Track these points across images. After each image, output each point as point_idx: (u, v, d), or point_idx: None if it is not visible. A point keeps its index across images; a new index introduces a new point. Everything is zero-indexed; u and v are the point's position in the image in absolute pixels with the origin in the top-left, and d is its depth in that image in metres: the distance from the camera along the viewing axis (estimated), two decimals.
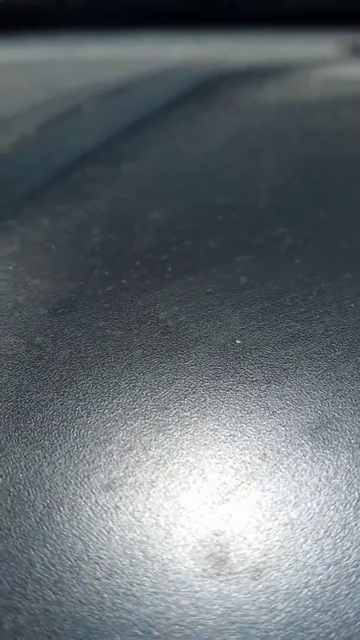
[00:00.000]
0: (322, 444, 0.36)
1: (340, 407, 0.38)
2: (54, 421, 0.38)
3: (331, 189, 0.59)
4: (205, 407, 0.38)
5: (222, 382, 0.39)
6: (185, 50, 0.98)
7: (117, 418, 0.38)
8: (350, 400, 0.38)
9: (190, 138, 0.69)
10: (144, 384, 0.39)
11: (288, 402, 0.38)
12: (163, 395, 0.39)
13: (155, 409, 0.38)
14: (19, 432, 0.37)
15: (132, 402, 0.38)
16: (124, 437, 0.37)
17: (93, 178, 0.60)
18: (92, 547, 0.33)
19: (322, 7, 1.03)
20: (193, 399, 0.38)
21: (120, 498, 0.35)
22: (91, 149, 0.66)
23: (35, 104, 0.77)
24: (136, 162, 0.64)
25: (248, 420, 0.37)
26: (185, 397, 0.39)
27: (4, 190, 0.58)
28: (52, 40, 1.03)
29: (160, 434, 0.37)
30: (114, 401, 0.39)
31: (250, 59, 0.94)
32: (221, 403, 0.38)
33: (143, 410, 0.38)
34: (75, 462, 0.36)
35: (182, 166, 0.64)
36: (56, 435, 0.37)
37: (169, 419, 0.38)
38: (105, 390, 0.39)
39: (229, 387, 0.39)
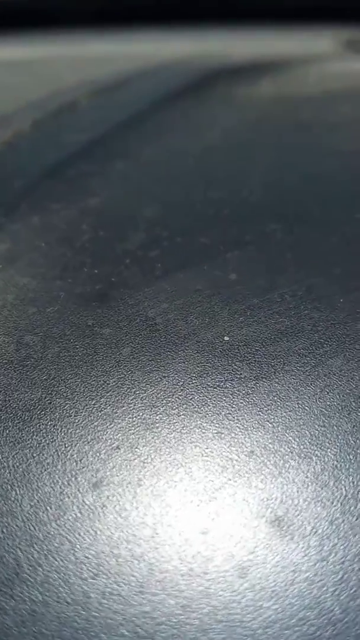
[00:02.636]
0: (310, 440, 0.36)
1: (328, 403, 0.38)
2: (42, 420, 0.38)
3: (325, 184, 0.59)
4: (193, 405, 0.38)
5: (210, 379, 0.39)
6: (181, 46, 0.98)
7: (105, 417, 0.38)
8: (337, 397, 0.38)
9: (185, 134, 0.69)
10: (132, 381, 0.39)
11: (276, 398, 0.38)
12: (151, 393, 0.39)
13: (143, 407, 0.38)
14: (7, 431, 0.37)
15: (120, 400, 0.38)
16: (111, 436, 0.37)
17: (86, 174, 0.60)
18: (79, 547, 0.33)
19: (318, 2, 1.03)
20: (181, 397, 0.38)
21: (107, 497, 0.35)
22: (84, 145, 0.66)
23: (30, 100, 0.77)
24: (130, 159, 0.63)
25: (236, 418, 0.37)
26: (173, 395, 0.38)
27: None
28: (48, 37, 1.03)
29: (148, 432, 0.37)
30: (102, 399, 0.39)
31: (246, 54, 0.93)
32: (209, 400, 0.38)
33: (131, 408, 0.38)
34: (63, 461, 0.36)
35: (177, 162, 0.64)
36: (44, 434, 0.37)
37: (157, 417, 0.37)
38: (94, 388, 0.39)
39: (217, 384, 0.39)
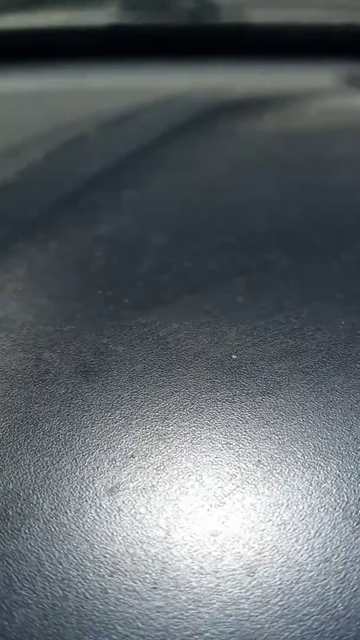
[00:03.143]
0: (313, 451, 0.39)
1: (330, 417, 0.40)
2: (60, 430, 0.40)
3: (324, 214, 0.62)
4: (203, 417, 0.40)
5: (219, 394, 0.42)
6: (186, 80, 1.01)
7: (119, 427, 0.40)
8: (339, 411, 0.41)
9: (190, 165, 0.72)
10: (145, 395, 0.42)
11: (281, 412, 0.40)
12: (163, 406, 0.41)
13: (155, 419, 0.40)
14: (29, 440, 0.40)
15: (133, 413, 0.41)
16: (126, 445, 0.39)
17: (97, 203, 0.63)
18: (97, 547, 0.35)
19: (319, 38, 1.05)
20: (191, 410, 0.41)
21: (123, 501, 0.37)
22: (95, 176, 0.68)
23: (41, 132, 0.80)
24: (138, 189, 0.66)
25: (243, 430, 0.40)
26: (184, 408, 0.41)
27: (13, 215, 0.61)
28: (56, 70, 1.05)
29: (161, 442, 0.39)
30: (117, 412, 0.41)
31: (249, 88, 0.96)
32: (218, 413, 0.41)
33: (144, 420, 0.40)
34: (81, 468, 0.38)
35: (183, 192, 0.67)
36: (63, 443, 0.39)
37: (169, 428, 0.40)
38: (109, 401, 0.42)
39: (226, 398, 0.41)
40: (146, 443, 0.39)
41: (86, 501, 0.37)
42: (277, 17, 1.10)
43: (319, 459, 0.38)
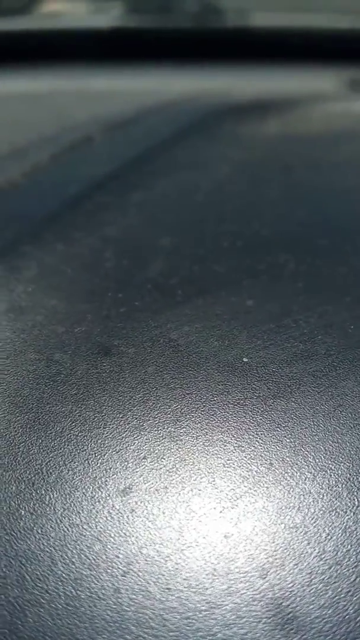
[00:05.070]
0: (324, 455, 0.39)
1: (341, 421, 0.40)
2: (72, 431, 0.40)
3: (331, 217, 0.62)
4: (214, 420, 0.41)
5: (230, 396, 0.42)
6: (190, 83, 1.01)
7: (132, 429, 0.40)
8: (350, 415, 0.41)
9: (195, 168, 0.72)
10: (157, 397, 0.42)
11: (292, 416, 0.41)
12: (175, 408, 0.41)
13: (168, 421, 0.41)
14: (41, 440, 0.40)
15: (146, 414, 0.41)
16: (138, 447, 0.39)
17: (104, 206, 0.63)
18: (109, 547, 0.35)
19: (322, 42, 1.06)
20: (203, 412, 0.41)
21: (136, 502, 0.37)
22: (102, 178, 0.69)
23: (46, 134, 0.80)
24: (145, 191, 0.66)
25: (255, 432, 0.40)
26: (196, 410, 0.41)
27: (20, 218, 0.61)
28: (60, 72, 1.06)
29: (173, 444, 0.39)
30: (129, 413, 0.41)
31: (253, 92, 0.96)
32: (230, 416, 0.41)
33: (156, 422, 0.41)
34: (93, 468, 0.38)
35: (189, 195, 0.67)
36: (75, 444, 0.40)
37: (181, 430, 0.40)
38: (121, 403, 0.42)
39: (237, 401, 0.42)
40: (159, 445, 0.39)
41: (99, 502, 0.37)
42: (280, 21, 1.11)
43: (330, 462, 0.39)
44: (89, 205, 0.64)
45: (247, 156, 0.77)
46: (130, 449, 0.39)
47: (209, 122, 0.86)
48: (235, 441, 0.40)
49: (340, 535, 0.36)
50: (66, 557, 0.35)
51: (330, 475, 0.38)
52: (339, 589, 0.34)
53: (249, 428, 0.40)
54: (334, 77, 1.01)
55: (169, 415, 0.41)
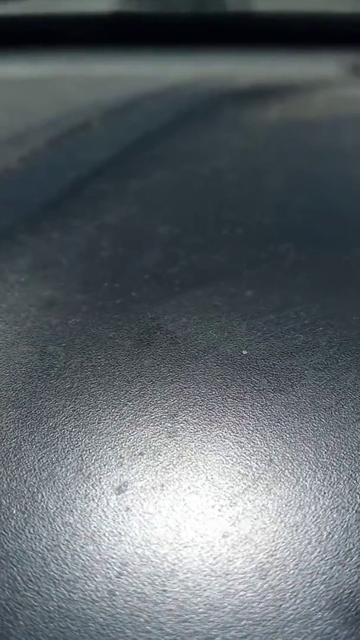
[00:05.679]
0: (325, 451, 0.38)
1: (343, 415, 0.39)
2: (66, 426, 0.39)
3: (333, 206, 0.61)
4: (213, 415, 0.39)
5: (229, 390, 0.41)
6: (190, 68, 1.00)
7: (127, 424, 0.39)
8: (352, 409, 0.40)
9: (195, 154, 0.71)
10: (154, 391, 0.41)
11: (293, 410, 0.40)
12: (173, 402, 0.40)
13: (165, 416, 0.39)
14: (33, 436, 0.39)
15: (142, 409, 0.40)
16: (134, 443, 0.38)
17: (102, 193, 0.62)
18: (104, 547, 0.34)
19: (324, 27, 1.05)
20: (202, 407, 0.40)
21: (131, 500, 0.36)
22: (100, 164, 0.67)
23: (44, 119, 0.79)
24: (143, 178, 0.65)
25: (255, 427, 0.39)
26: (194, 405, 0.40)
27: (16, 205, 0.60)
28: (59, 57, 1.05)
29: (170, 440, 0.38)
30: (125, 408, 0.40)
31: (254, 78, 0.95)
32: (229, 410, 0.40)
33: (153, 417, 0.39)
34: (87, 465, 0.37)
35: (189, 182, 0.66)
36: (68, 440, 0.38)
37: (179, 426, 0.39)
38: (116, 397, 0.41)
39: (236, 395, 0.40)
40: (155, 440, 0.38)
41: (93, 500, 0.36)
42: (282, 5, 1.10)
43: (331, 458, 0.37)
44: (86, 192, 0.63)
45: (247, 142, 0.76)
46: (125, 445, 0.38)
47: (210, 107, 0.85)
48: (234, 437, 0.38)
49: (342, 534, 0.35)
50: (59, 558, 0.34)
51: (332, 472, 0.37)
52: (341, 590, 0.33)
53: (248, 423, 0.39)
54: (336, 62, 1.00)
55: (166, 410, 0.40)
